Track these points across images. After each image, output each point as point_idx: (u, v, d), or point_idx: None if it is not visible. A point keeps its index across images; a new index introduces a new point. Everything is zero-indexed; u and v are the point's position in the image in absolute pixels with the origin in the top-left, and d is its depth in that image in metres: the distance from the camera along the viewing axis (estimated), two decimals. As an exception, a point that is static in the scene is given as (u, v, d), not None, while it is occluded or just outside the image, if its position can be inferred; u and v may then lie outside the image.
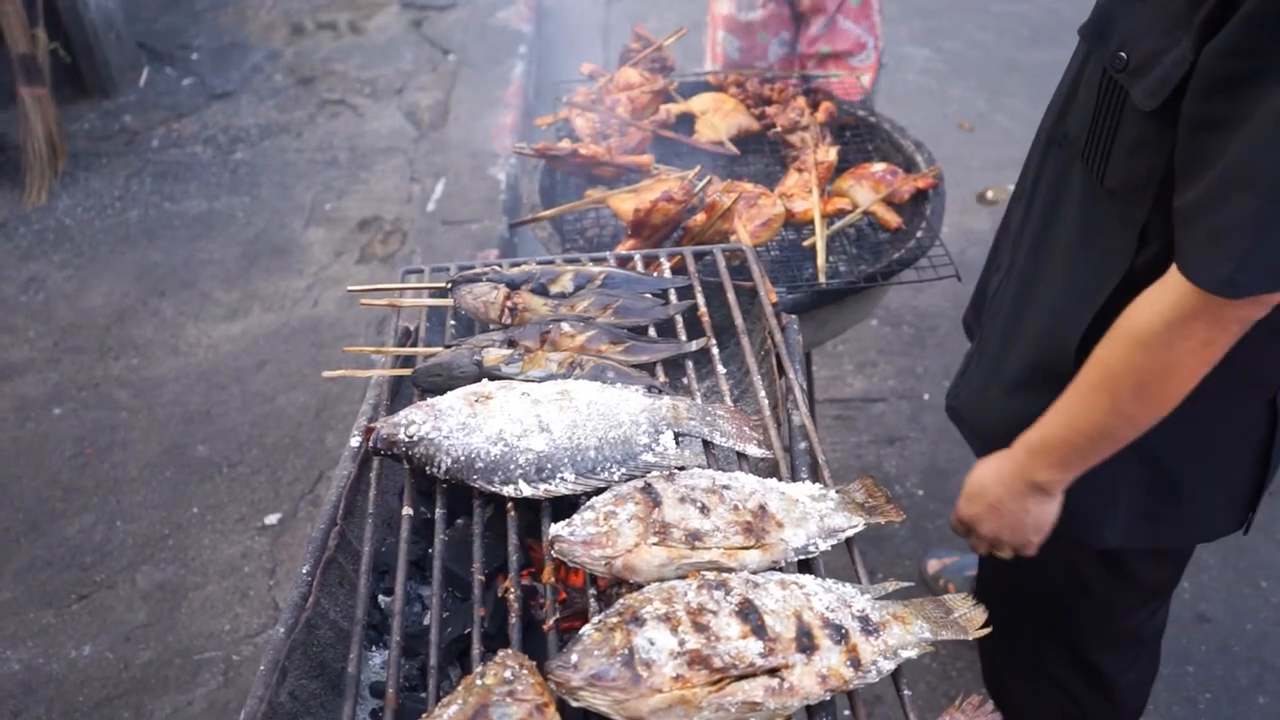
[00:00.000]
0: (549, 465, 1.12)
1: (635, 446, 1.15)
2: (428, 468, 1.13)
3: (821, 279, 1.93)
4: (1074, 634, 1.65)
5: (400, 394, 1.41)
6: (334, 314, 3.54)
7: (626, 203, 1.90)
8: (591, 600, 1.03)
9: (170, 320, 3.53)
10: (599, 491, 1.10)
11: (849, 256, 2.14)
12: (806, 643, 0.92)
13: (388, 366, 1.39)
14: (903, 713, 0.95)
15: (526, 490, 1.11)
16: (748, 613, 0.93)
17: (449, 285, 1.45)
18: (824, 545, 1.07)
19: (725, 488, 1.07)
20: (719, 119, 2.35)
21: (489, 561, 1.13)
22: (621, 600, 0.95)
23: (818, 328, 2.07)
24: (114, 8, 4.71)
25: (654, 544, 1.00)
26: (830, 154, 2.16)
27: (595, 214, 2.22)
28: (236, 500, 2.88)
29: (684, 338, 1.40)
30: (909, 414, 3.14)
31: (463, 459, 1.11)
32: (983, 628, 1.03)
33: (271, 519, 2.82)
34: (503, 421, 1.14)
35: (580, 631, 0.92)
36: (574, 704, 0.89)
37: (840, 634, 0.94)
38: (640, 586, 0.99)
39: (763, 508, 1.06)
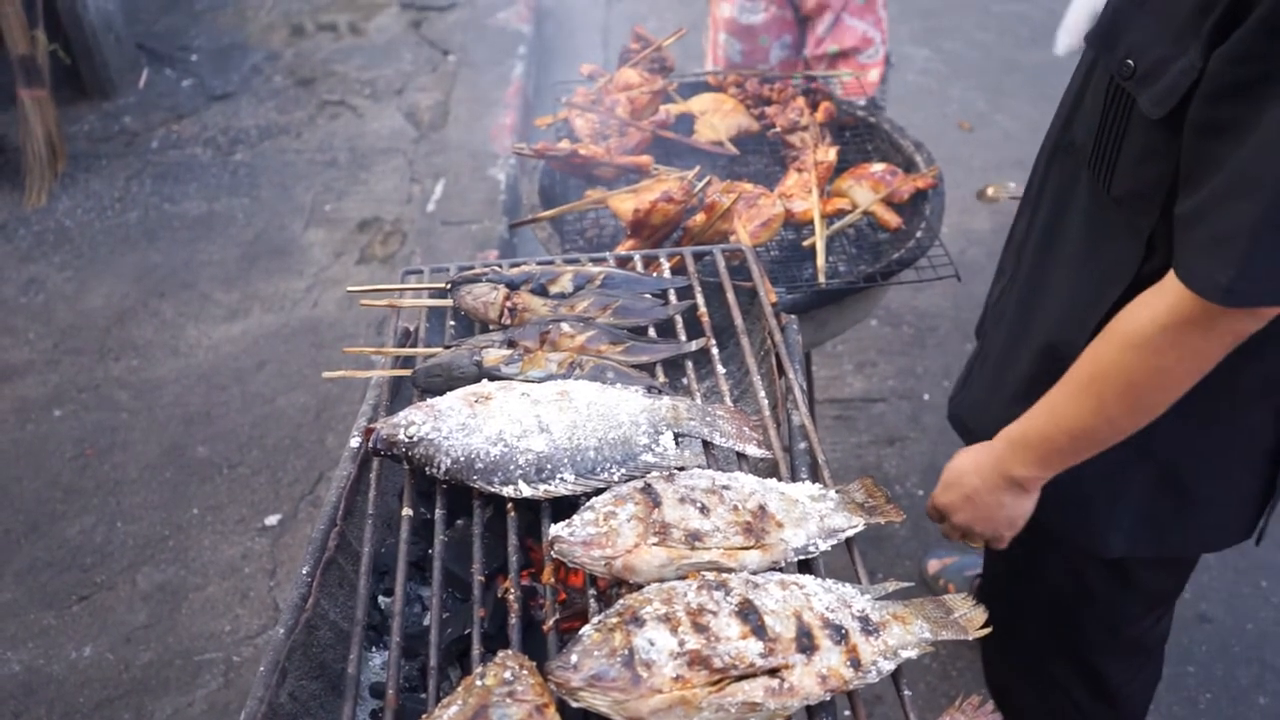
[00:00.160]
0: (549, 466, 1.12)
1: (635, 447, 1.15)
2: (427, 468, 1.13)
3: (821, 279, 1.93)
4: (1077, 639, 1.64)
5: (400, 395, 1.41)
6: (334, 315, 3.54)
7: (626, 203, 1.90)
8: (591, 601, 1.03)
9: (170, 321, 3.53)
10: (599, 492, 1.10)
11: (849, 257, 2.13)
12: (806, 643, 0.92)
13: (387, 367, 1.39)
14: (903, 713, 0.95)
15: (526, 491, 1.11)
16: (748, 613, 0.93)
17: (449, 286, 1.45)
18: (824, 545, 1.07)
19: (725, 488, 1.07)
20: (718, 119, 2.35)
21: (489, 562, 1.13)
22: (621, 601, 0.95)
23: (818, 328, 2.06)
24: (113, 9, 4.71)
25: (654, 544, 1.00)
26: (830, 154, 2.16)
27: (595, 214, 2.22)
28: (237, 501, 2.88)
29: (684, 338, 1.40)
30: (909, 414, 3.14)
31: (462, 459, 1.11)
32: (983, 628, 1.03)
33: (271, 520, 2.82)
34: (502, 422, 1.14)
35: (580, 632, 0.92)
36: (574, 704, 0.89)
37: (840, 634, 0.94)
38: (640, 587, 0.99)
39: (763, 508, 1.06)
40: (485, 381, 1.24)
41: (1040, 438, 1.29)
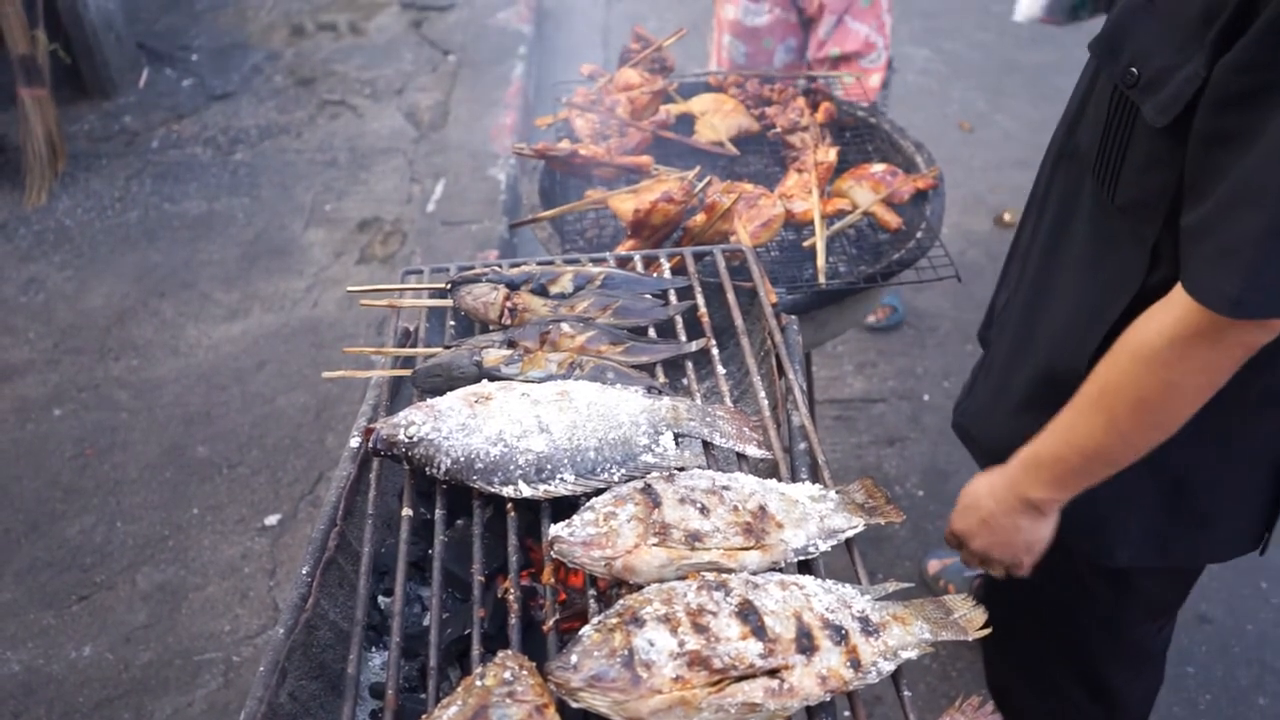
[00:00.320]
0: (549, 466, 1.12)
1: (635, 447, 1.15)
2: (427, 468, 1.13)
3: (821, 279, 1.93)
4: (1079, 645, 1.63)
5: (400, 395, 1.41)
6: (334, 315, 3.54)
7: (626, 203, 1.90)
8: (591, 601, 1.03)
9: (170, 321, 3.53)
10: (599, 492, 1.10)
11: (849, 257, 2.13)
12: (806, 644, 0.92)
13: (387, 367, 1.39)
14: (903, 713, 0.95)
15: (526, 491, 1.11)
16: (747, 614, 0.93)
17: (449, 286, 1.45)
18: (824, 546, 1.07)
19: (725, 488, 1.07)
20: (719, 119, 2.35)
21: (489, 562, 1.13)
22: (621, 601, 0.95)
23: (818, 328, 2.06)
24: (114, 9, 4.71)
25: (654, 545, 1.00)
26: (830, 154, 2.16)
27: (595, 214, 2.22)
28: (236, 501, 2.88)
29: (684, 338, 1.39)
30: (909, 414, 3.14)
31: (462, 460, 1.11)
32: (982, 629, 1.03)
33: (271, 520, 2.82)
34: (502, 422, 1.14)
35: (580, 632, 0.92)
36: (574, 705, 0.89)
37: (840, 635, 0.94)
38: (640, 587, 0.98)
39: (762, 508, 1.06)
40: (485, 382, 1.24)
41: (1053, 458, 1.26)
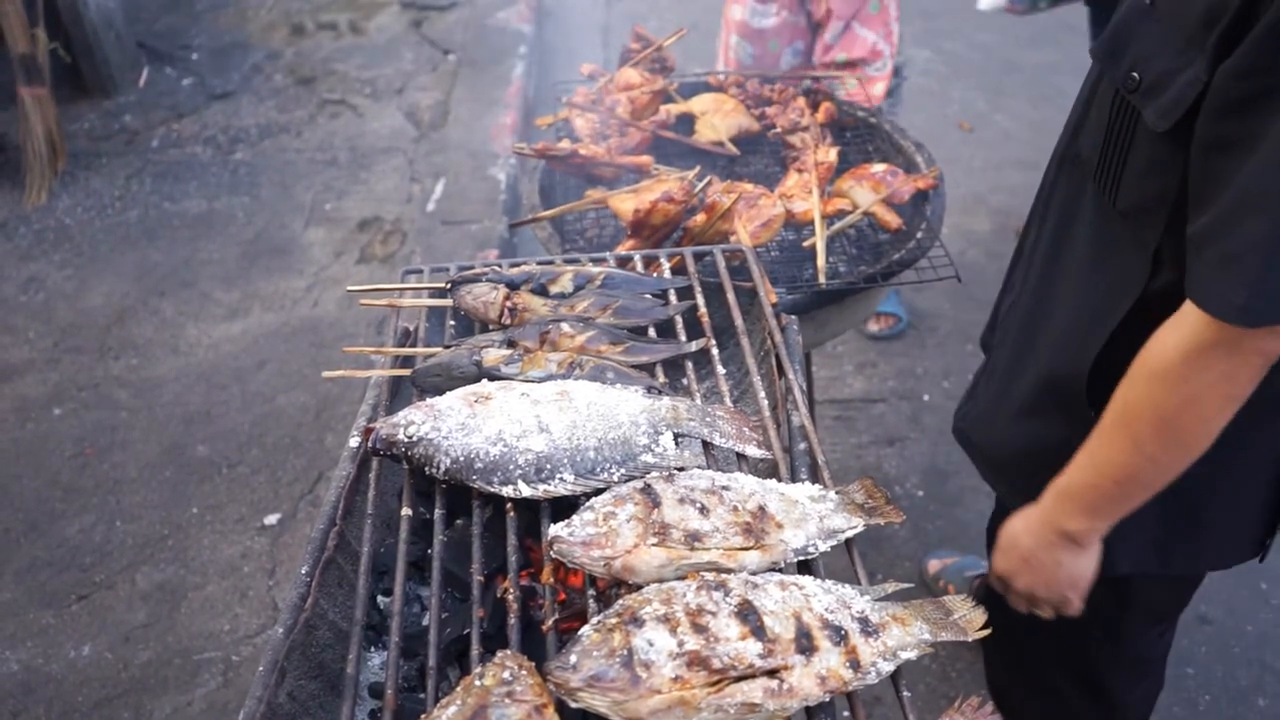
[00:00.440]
0: (548, 466, 1.12)
1: (635, 447, 1.15)
2: (427, 468, 1.13)
3: (821, 280, 1.93)
4: (1079, 649, 1.62)
5: (400, 394, 1.41)
6: (334, 314, 3.54)
7: (626, 203, 1.90)
8: (590, 601, 1.03)
9: (170, 320, 3.53)
10: (598, 492, 1.10)
11: (849, 257, 2.13)
12: (806, 644, 0.92)
13: (387, 367, 1.39)
14: (902, 714, 0.95)
15: (526, 491, 1.11)
16: (747, 614, 0.92)
17: (449, 285, 1.45)
18: (823, 546, 1.07)
19: (725, 488, 1.07)
20: (719, 119, 2.35)
21: (488, 562, 1.13)
22: (620, 601, 0.95)
23: (818, 328, 2.06)
24: (114, 8, 4.71)
25: (653, 545, 1.00)
26: (830, 154, 2.16)
27: (595, 214, 2.22)
28: (236, 500, 2.88)
29: (684, 338, 1.39)
30: (909, 415, 3.14)
31: (462, 459, 1.11)
32: (982, 629, 1.03)
33: (271, 519, 2.82)
34: (502, 422, 1.14)
35: (579, 632, 0.92)
36: (573, 705, 0.89)
37: (840, 635, 0.94)
38: (639, 587, 0.98)
39: (762, 509, 1.06)
40: (485, 381, 1.24)
41: (1084, 486, 1.25)
